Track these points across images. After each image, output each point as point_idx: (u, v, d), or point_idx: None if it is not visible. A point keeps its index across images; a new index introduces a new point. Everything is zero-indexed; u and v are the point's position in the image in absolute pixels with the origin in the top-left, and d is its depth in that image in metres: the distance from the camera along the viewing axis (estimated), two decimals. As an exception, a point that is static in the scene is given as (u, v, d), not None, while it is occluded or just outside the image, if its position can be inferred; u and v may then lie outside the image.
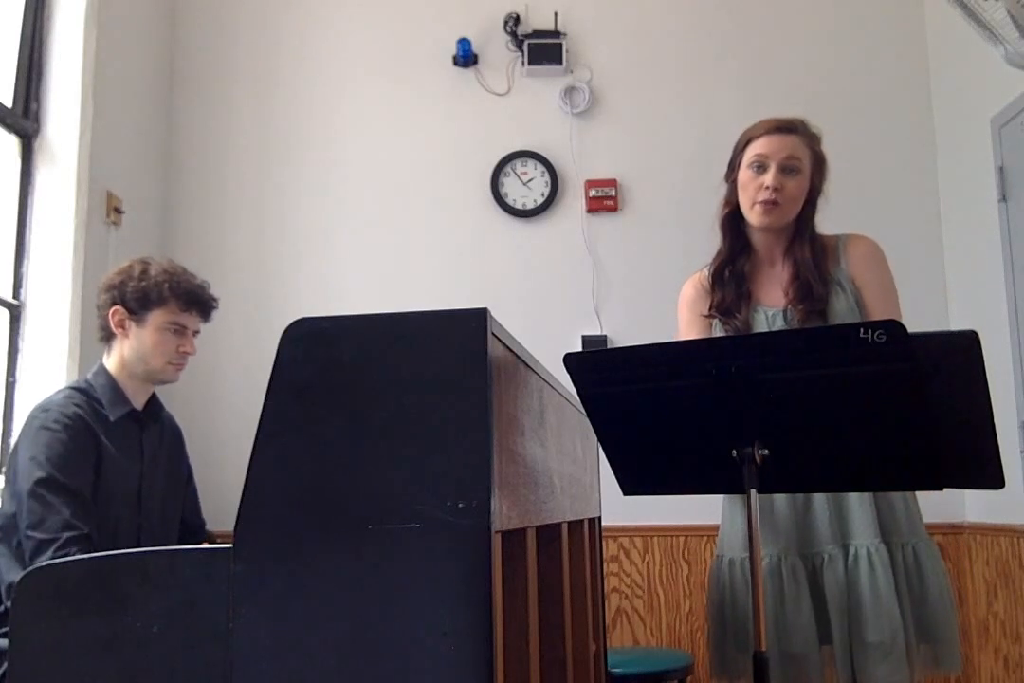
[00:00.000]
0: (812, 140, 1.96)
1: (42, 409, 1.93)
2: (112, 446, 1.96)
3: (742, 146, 1.96)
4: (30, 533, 1.80)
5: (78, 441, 1.90)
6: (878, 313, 1.87)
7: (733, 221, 1.99)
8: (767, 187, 1.88)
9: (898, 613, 1.74)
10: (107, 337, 2.08)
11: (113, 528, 1.94)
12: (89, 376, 2.06)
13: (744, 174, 1.93)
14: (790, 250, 1.95)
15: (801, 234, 1.95)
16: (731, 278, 1.98)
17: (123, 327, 2.05)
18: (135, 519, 2.01)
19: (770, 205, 1.89)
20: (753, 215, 1.93)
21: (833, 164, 3.48)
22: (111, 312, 2.04)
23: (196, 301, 2.07)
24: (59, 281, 2.82)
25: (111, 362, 2.06)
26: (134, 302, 2.03)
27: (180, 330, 2.06)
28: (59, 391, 2.03)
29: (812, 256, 1.92)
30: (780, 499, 1.87)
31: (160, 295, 2.03)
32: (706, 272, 2.05)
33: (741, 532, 1.92)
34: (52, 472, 1.83)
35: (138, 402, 2.08)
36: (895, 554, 1.81)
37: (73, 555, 1.74)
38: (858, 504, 1.83)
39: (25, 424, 1.93)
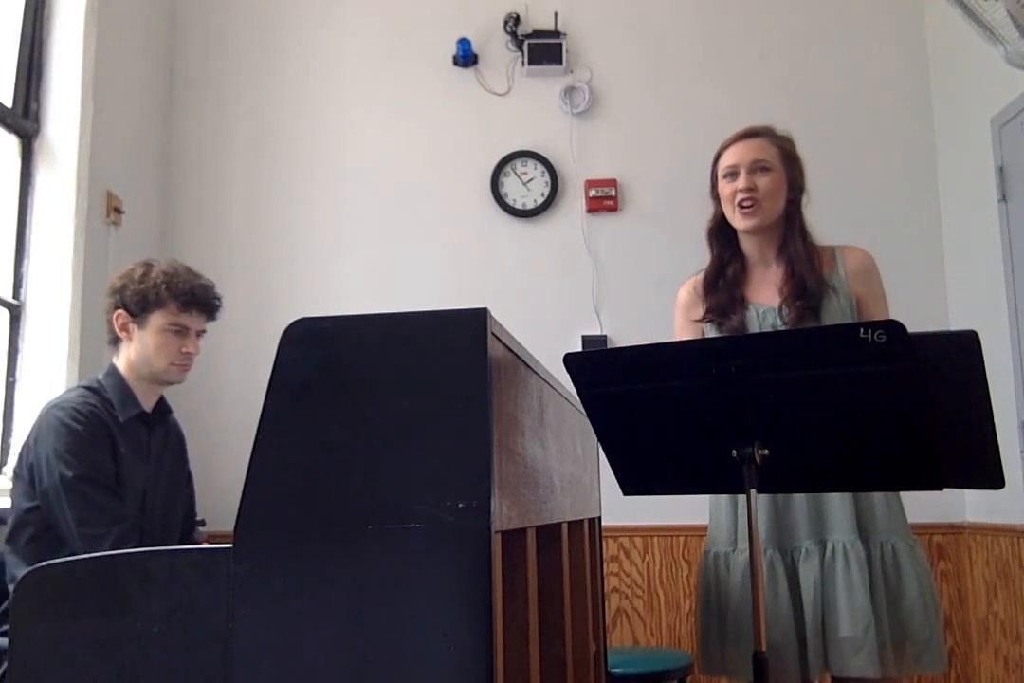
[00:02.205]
0: (779, 140, 2.00)
1: (58, 407, 1.93)
2: (122, 446, 1.97)
3: (714, 162, 2.02)
4: (80, 530, 1.81)
5: (97, 437, 1.91)
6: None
7: (720, 232, 2.03)
8: (740, 189, 1.93)
9: (871, 609, 1.76)
10: (115, 340, 2.09)
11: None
12: (100, 377, 2.06)
13: (721, 186, 1.99)
14: (783, 249, 1.97)
15: (792, 233, 1.97)
16: (724, 285, 2.00)
17: (126, 330, 2.05)
18: (137, 520, 2.01)
19: (749, 205, 1.92)
20: (737, 220, 1.96)
21: (833, 164, 3.49)
22: (114, 316, 2.06)
23: (195, 301, 2.07)
24: (59, 281, 2.82)
25: (120, 364, 2.07)
26: (134, 305, 2.04)
27: (182, 331, 2.06)
28: (71, 390, 2.04)
29: (807, 253, 1.94)
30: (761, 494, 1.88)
31: (158, 297, 2.03)
32: (701, 277, 2.06)
33: (726, 527, 1.94)
34: (83, 468, 1.85)
35: (147, 404, 2.09)
36: (872, 551, 1.82)
37: (130, 548, 1.75)
38: (838, 500, 1.84)
39: (39, 421, 1.94)
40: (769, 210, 1.93)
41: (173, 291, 2.04)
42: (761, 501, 1.87)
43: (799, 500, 1.87)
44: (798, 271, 1.92)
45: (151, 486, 2.06)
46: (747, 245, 2.01)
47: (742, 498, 1.83)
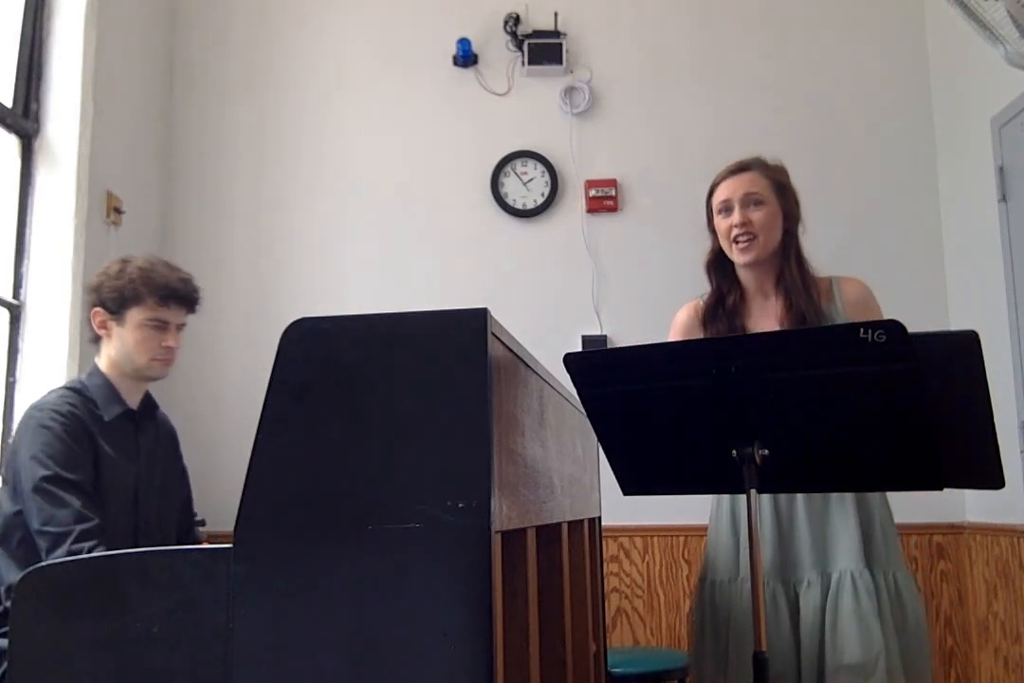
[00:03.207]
0: (771, 171, 2.00)
1: (37, 408, 1.93)
2: (108, 446, 1.96)
3: (708, 196, 2.03)
4: (43, 529, 1.80)
5: (76, 438, 1.90)
6: None
7: (718, 264, 2.04)
8: (735, 225, 1.94)
9: (881, 637, 1.76)
10: (96, 339, 2.08)
11: (110, 528, 1.93)
12: (83, 377, 2.06)
13: (717, 221, 2.00)
14: (781, 281, 1.98)
15: (788, 264, 1.97)
16: (723, 315, 2.01)
17: (106, 328, 2.04)
18: (131, 519, 2.01)
19: (745, 239, 1.93)
20: (735, 254, 1.97)
21: (833, 164, 3.48)
22: (92, 314, 2.05)
23: (174, 295, 2.05)
24: (59, 281, 2.82)
25: (103, 363, 2.06)
26: (111, 302, 2.02)
27: (161, 325, 2.04)
28: (53, 391, 2.03)
29: (804, 284, 1.94)
30: (765, 524, 1.88)
31: (135, 292, 2.01)
32: (702, 302, 2.06)
33: (724, 555, 1.94)
34: (55, 469, 1.84)
35: (132, 401, 2.08)
36: (877, 581, 1.83)
37: (90, 546, 1.76)
38: (843, 530, 1.85)
39: (20, 424, 1.94)
40: (765, 243, 1.94)
41: (150, 286, 2.02)
42: (765, 531, 1.88)
43: (803, 531, 1.87)
44: (796, 303, 1.93)
45: (143, 484, 2.05)
46: (745, 277, 2.02)
47: (743, 527, 1.86)
